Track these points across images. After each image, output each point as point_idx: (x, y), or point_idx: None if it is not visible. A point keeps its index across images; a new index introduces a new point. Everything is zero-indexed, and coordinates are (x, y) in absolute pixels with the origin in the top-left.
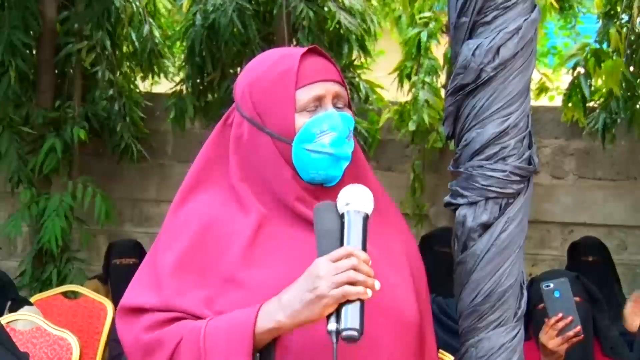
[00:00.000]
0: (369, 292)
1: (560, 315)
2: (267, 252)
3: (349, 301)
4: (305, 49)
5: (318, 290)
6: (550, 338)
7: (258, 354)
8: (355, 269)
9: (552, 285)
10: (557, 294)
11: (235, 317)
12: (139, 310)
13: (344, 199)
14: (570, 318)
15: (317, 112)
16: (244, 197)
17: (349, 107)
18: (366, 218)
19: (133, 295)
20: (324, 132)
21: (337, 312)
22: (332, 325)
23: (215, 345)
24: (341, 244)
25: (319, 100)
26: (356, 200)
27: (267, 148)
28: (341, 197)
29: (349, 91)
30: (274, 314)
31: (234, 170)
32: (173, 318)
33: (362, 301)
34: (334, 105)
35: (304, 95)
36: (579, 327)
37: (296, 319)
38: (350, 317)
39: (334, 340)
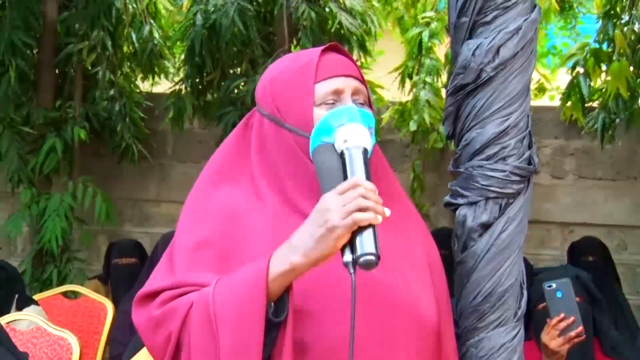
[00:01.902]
0: (379, 218)
1: (562, 315)
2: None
3: (361, 230)
4: (325, 45)
5: (329, 223)
6: (552, 338)
7: (272, 304)
8: (363, 197)
9: (554, 285)
10: (559, 294)
11: (246, 268)
12: (152, 295)
13: (341, 137)
14: (572, 318)
15: (336, 106)
16: (262, 191)
17: (370, 106)
18: (365, 152)
19: (148, 284)
20: (342, 125)
21: (351, 243)
22: (347, 257)
23: (227, 299)
24: (345, 179)
25: (337, 94)
26: (353, 136)
27: (287, 143)
28: (338, 135)
29: (368, 90)
30: (286, 255)
31: (256, 167)
32: (185, 292)
33: (374, 227)
34: (354, 101)
35: (323, 88)
36: (580, 328)
37: (310, 256)
38: (365, 243)
39: (352, 270)
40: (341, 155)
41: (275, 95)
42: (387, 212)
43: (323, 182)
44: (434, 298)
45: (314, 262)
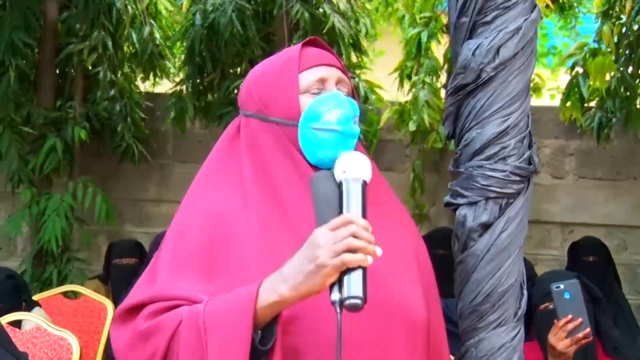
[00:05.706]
0: (370, 259)
1: (570, 316)
2: (277, 243)
3: (350, 269)
4: (306, 40)
5: (318, 260)
6: (559, 339)
7: (259, 331)
8: (354, 236)
9: (562, 286)
10: (567, 295)
11: (236, 293)
12: (134, 309)
13: (341, 166)
14: (580, 320)
15: (322, 94)
16: (249, 190)
17: (354, 96)
18: (364, 185)
19: (128, 298)
20: (330, 110)
21: (340, 282)
22: (335, 295)
23: (215, 322)
24: (340, 212)
25: (322, 82)
26: (353, 167)
27: (275, 135)
28: (338, 164)
29: (352, 82)
30: (276, 286)
31: (245, 165)
32: (173, 306)
33: (364, 268)
34: (338, 90)
35: (307, 77)
36: (588, 329)
37: (299, 290)
38: (353, 285)
39: (338, 310)
40: (339, 185)
41: (260, 92)
42: (379, 251)
43: (318, 211)
44: (422, 296)
45: (303, 295)
